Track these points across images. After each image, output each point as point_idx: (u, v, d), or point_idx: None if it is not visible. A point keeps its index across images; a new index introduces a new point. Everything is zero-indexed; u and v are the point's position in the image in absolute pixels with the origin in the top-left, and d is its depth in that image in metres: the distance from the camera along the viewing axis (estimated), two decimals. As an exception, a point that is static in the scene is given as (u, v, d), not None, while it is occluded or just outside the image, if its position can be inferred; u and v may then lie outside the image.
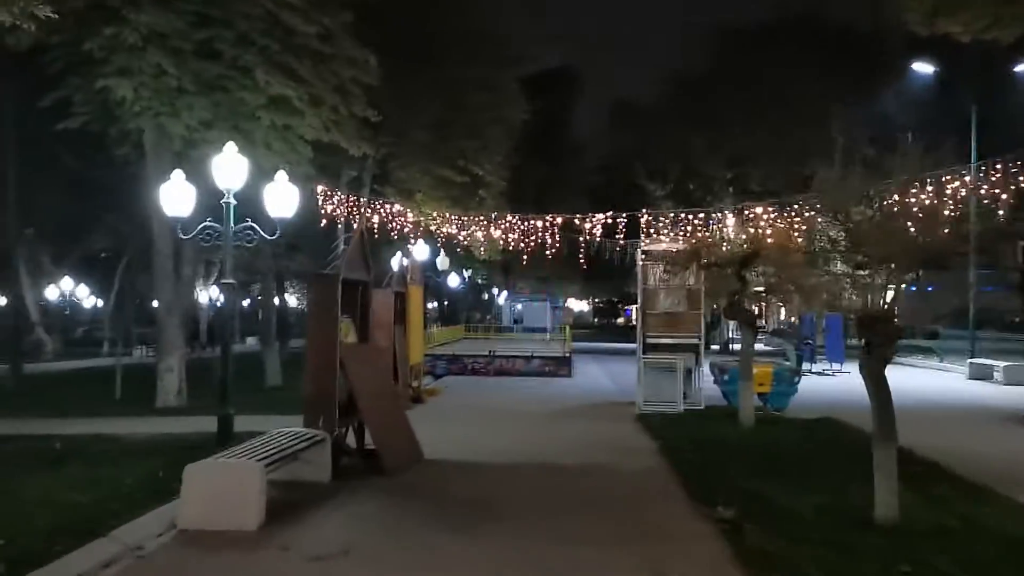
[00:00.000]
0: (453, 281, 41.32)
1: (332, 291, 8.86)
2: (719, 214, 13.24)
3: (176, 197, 10.46)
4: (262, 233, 10.58)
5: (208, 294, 46.13)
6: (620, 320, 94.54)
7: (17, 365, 23.73)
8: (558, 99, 51.66)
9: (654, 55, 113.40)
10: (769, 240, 12.66)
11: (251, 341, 43.98)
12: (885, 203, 12.54)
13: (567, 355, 23.33)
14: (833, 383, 20.99)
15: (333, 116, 15.87)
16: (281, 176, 10.48)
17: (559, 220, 15.21)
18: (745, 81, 33.89)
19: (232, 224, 10.47)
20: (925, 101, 26.02)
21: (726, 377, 14.82)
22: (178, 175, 10.52)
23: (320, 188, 18.72)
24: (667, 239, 13.94)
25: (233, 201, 10.48)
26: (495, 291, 53.09)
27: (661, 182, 30.32)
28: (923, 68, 25.18)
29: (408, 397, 15.35)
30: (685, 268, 13.24)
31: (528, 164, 38.24)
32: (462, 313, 53.03)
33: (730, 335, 40.34)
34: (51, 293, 38.70)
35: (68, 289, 37.05)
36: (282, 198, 10.48)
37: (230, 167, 10.33)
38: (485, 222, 16.86)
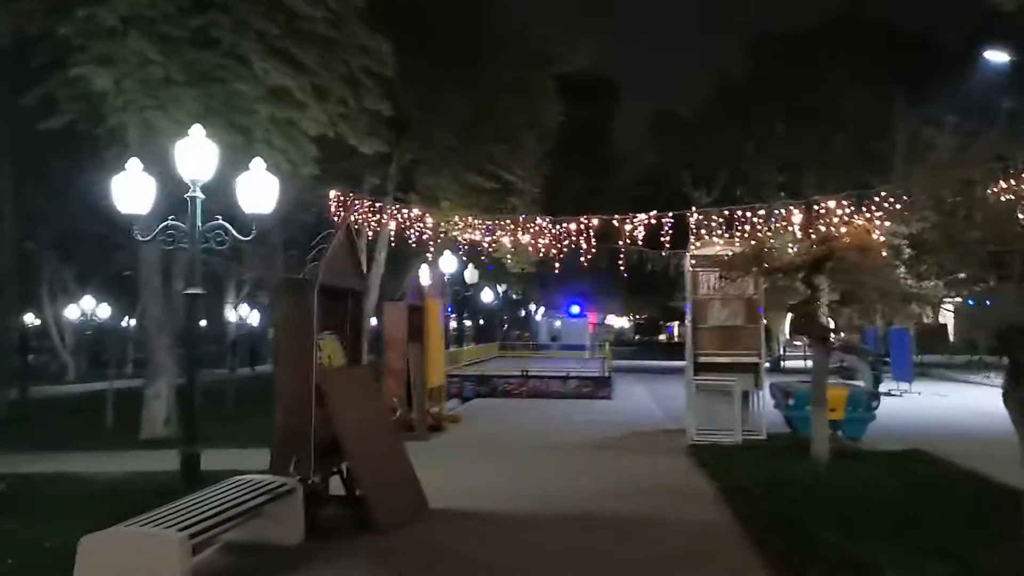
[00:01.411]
0: (487, 296, 39.49)
1: (306, 301, 7.05)
2: (782, 211, 11.18)
3: (132, 191, 8.75)
4: (235, 234, 8.81)
5: (238, 312, 44.96)
6: (662, 337, 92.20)
7: (24, 389, 22.40)
8: (596, 108, 50.00)
9: (691, 64, 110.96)
10: (845, 239, 10.60)
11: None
12: (951, 204, 10.42)
13: (607, 375, 21.30)
14: (904, 405, 18.68)
15: (341, 109, 14.17)
16: (257, 165, 8.72)
17: (595, 222, 13.20)
18: (791, 84, 32.73)
19: (199, 223, 8.73)
20: (997, 92, 23.77)
21: (791, 402, 12.71)
22: (134, 165, 8.81)
23: (333, 193, 17.02)
24: (720, 241, 11.87)
25: (200, 195, 8.75)
26: (532, 307, 51.22)
27: (707, 188, 28.33)
28: (996, 57, 22.86)
29: (425, 425, 13.49)
30: (743, 274, 11.21)
31: (565, 175, 36.47)
32: (498, 330, 51.24)
33: (782, 351, 38.12)
34: (72, 313, 37.59)
35: (90, 309, 35.81)
36: (258, 191, 8.72)
37: (197, 155, 8.61)
38: (512, 227, 14.96)
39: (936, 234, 16.61)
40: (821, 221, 10.90)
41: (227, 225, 8.77)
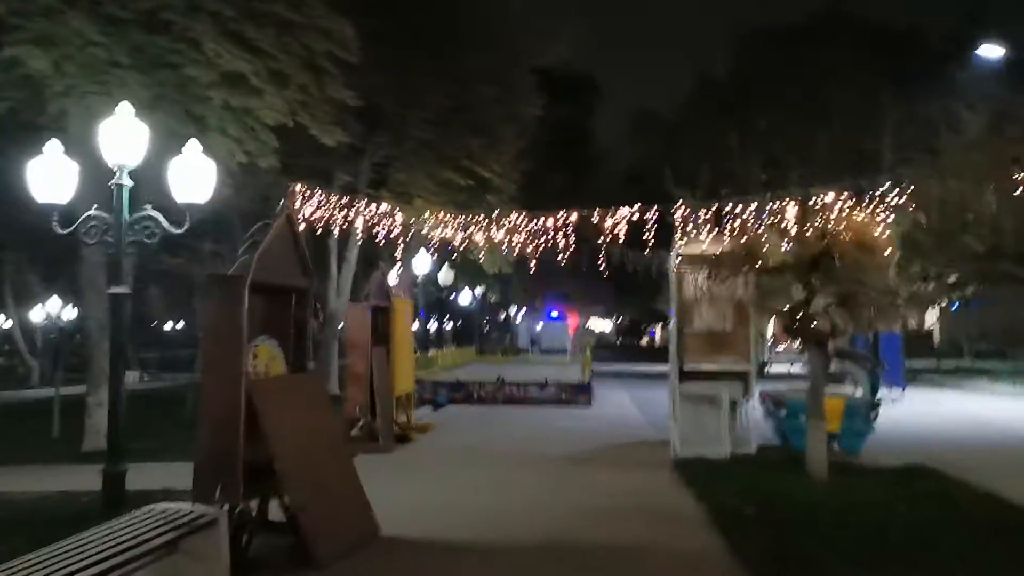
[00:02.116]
0: (464, 298, 38.51)
1: (234, 300, 6.07)
2: (775, 205, 10.29)
3: (51, 177, 7.73)
4: (166, 225, 7.81)
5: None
6: (643, 341, 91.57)
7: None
8: (577, 106, 49.26)
9: (672, 64, 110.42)
10: (845, 236, 9.73)
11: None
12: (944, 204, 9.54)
13: (587, 382, 20.38)
14: (898, 413, 17.85)
15: (301, 97, 13.19)
16: (192, 148, 7.73)
17: (574, 217, 12.27)
18: (774, 80, 32.23)
19: (127, 213, 7.73)
20: (992, 87, 23.14)
21: (783, 412, 11.83)
22: (54, 147, 7.79)
23: (299, 188, 16.02)
24: (708, 239, 10.97)
25: (128, 182, 7.75)
26: (512, 310, 50.28)
27: (691, 188, 27.38)
28: (990, 52, 22.18)
29: (390, 436, 12.51)
30: (733, 274, 10.31)
31: (545, 173, 35.64)
32: (478, 333, 50.24)
33: (768, 355, 37.36)
34: (37, 315, 36.26)
35: (55, 310, 34.45)
36: (193, 178, 7.73)
37: (124, 135, 7.61)
38: (485, 222, 14.01)
39: (926, 235, 15.86)
40: (818, 216, 10.02)
41: (157, 216, 7.77)
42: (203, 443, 6.11)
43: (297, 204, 16.17)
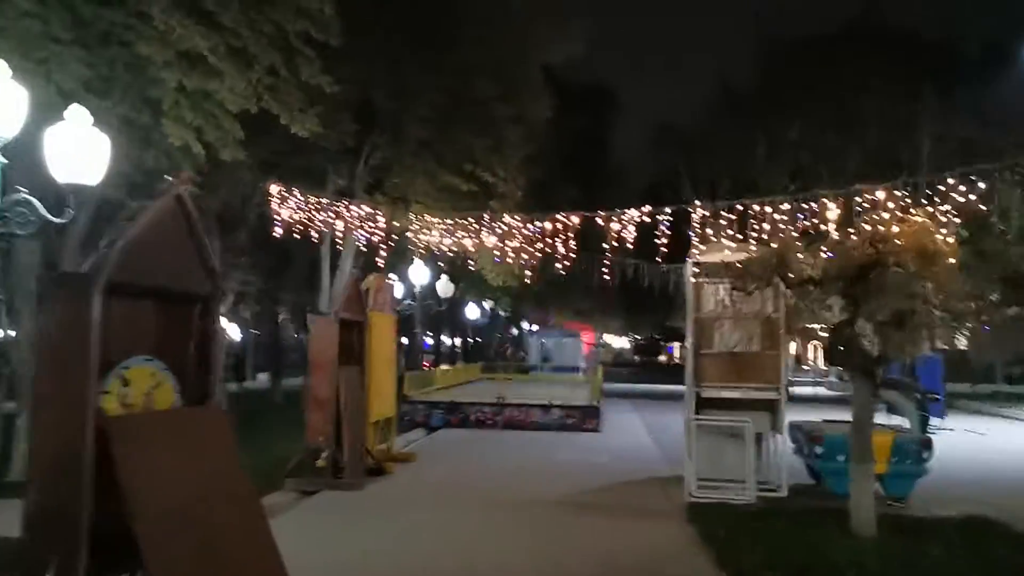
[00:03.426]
0: (472, 313, 36.78)
1: (78, 307, 4.41)
2: (812, 204, 8.55)
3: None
4: (43, 212, 6.17)
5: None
6: (663, 358, 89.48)
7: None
8: (592, 117, 47.63)
9: (693, 79, 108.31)
10: (899, 241, 7.98)
11: (262, 378, 39.66)
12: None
13: (596, 404, 18.59)
14: (942, 447, 15.96)
15: (269, 80, 11.61)
16: (75, 115, 6.09)
17: (575, 220, 10.56)
18: (804, 89, 30.75)
19: (-2, 196, 6.12)
20: None
21: (820, 449, 10.03)
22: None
23: (275, 188, 14.44)
24: (732, 245, 9.23)
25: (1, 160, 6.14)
26: (525, 325, 48.53)
27: (710, 198, 25.70)
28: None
29: (360, 469, 10.82)
30: (762, 286, 8.58)
31: (558, 184, 33.98)
32: (489, 349, 48.55)
33: (788, 375, 35.48)
34: None
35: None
36: (78, 154, 6.10)
37: (-5, 100, 6.00)
38: (476, 226, 12.34)
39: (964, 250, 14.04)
40: (865, 217, 8.28)
41: (33, 201, 6.14)
42: (32, 502, 4.44)
43: (274, 205, 14.60)
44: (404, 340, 37.78)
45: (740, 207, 9.34)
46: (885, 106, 28.27)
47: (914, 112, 26.21)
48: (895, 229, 8.11)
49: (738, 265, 8.79)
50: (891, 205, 8.14)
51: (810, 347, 45.42)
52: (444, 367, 29.75)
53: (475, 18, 19.74)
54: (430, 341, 56.94)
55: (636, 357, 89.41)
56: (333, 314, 10.55)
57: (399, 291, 21.67)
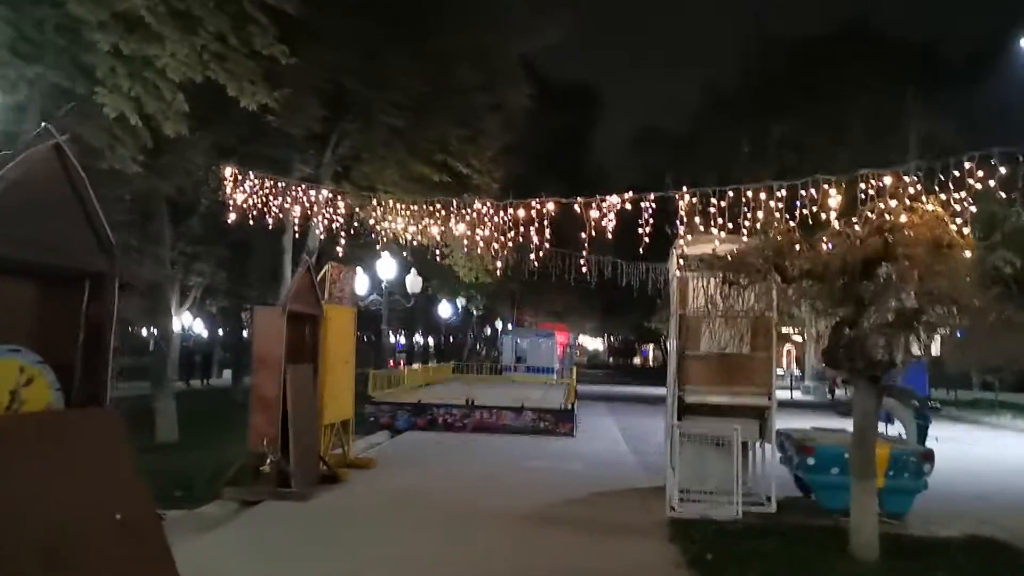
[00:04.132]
0: (445, 311, 35.76)
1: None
2: (810, 190, 7.68)
3: None
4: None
5: (181, 322, 40.98)
6: (637, 360, 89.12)
7: None
8: (575, 116, 46.91)
9: (680, 80, 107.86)
10: (910, 230, 7.14)
11: (228, 375, 38.39)
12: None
13: (570, 407, 17.69)
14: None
15: (216, 47, 10.58)
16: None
17: (550, 207, 9.63)
18: (790, 89, 30.41)
19: None
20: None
21: (811, 461, 9.18)
22: None
23: (229, 171, 13.38)
24: (722, 234, 8.34)
25: None
26: (499, 325, 47.56)
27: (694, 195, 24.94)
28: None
29: (309, 477, 9.82)
30: (758, 280, 7.70)
31: (538, 182, 33.12)
32: (464, 349, 47.61)
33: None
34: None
35: None
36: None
37: None
38: (443, 212, 11.37)
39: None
40: (871, 205, 7.42)
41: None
42: None
43: (228, 189, 13.53)
44: (372, 337, 36.72)
45: (731, 193, 8.47)
46: (871, 107, 27.84)
47: (900, 112, 25.72)
48: (904, 218, 7.27)
49: (729, 257, 7.89)
50: (900, 192, 7.28)
51: (784, 350, 44.90)
52: (416, 366, 28.77)
53: (452, 1, 18.80)
54: (403, 340, 55.90)
55: (611, 359, 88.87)
56: (280, 306, 9.53)
57: (362, 284, 20.66)
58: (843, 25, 35.76)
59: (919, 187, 7.43)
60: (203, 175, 15.41)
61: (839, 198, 7.77)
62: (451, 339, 44.58)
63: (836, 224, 7.72)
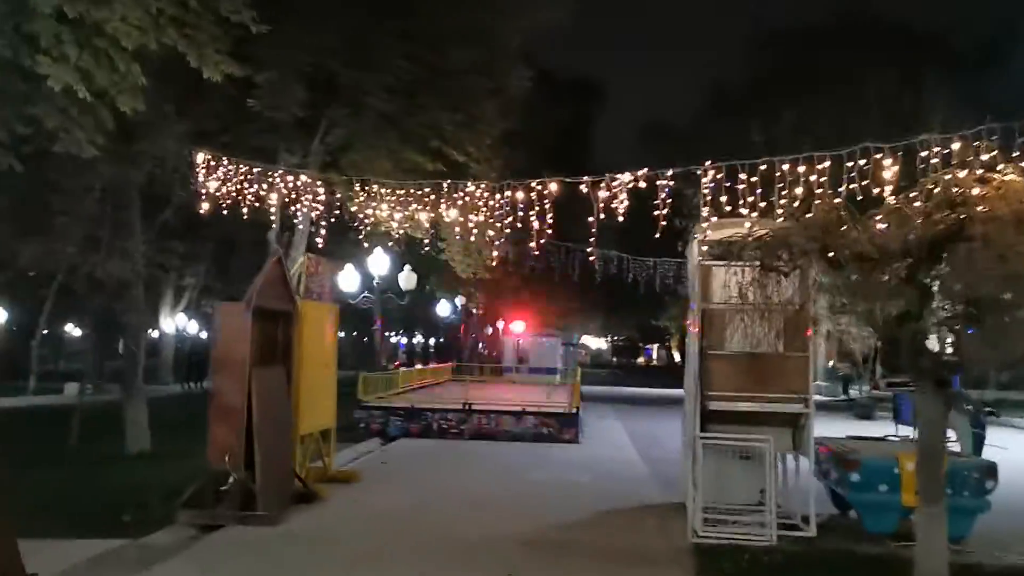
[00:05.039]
0: (443, 310, 34.50)
1: None
2: (860, 162, 6.44)
3: None
4: None
5: (175, 323, 39.97)
6: (640, 360, 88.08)
7: None
8: (579, 110, 45.78)
9: (684, 75, 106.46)
10: (985, 205, 5.92)
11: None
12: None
13: (574, 411, 16.45)
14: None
15: (174, 11, 9.36)
16: None
17: (553, 187, 8.41)
18: (803, 75, 29.44)
19: None
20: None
21: (855, 477, 7.95)
22: None
23: (202, 157, 12.19)
24: (754, 215, 7.10)
25: None
26: (501, 324, 46.26)
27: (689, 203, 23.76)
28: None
29: (280, 498, 8.60)
30: (806, 264, 6.46)
31: (539, 174, 31.92)
32: (467, 349, 46.43)
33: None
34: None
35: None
36: None
37: None
38: (431, 196, 10.16)
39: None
40: (936, 176, 6.20)
41: None
42: None
43: (200, 177, 12.34)
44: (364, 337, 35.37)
45: (763, 167, 7.26)
46: (886, 92, 26.69)
47: (918, 96, 24.56)
48: (977, 191, 6.04)
49: (765, 239, 6.65)
50: (970, 160, 6.06)
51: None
52: (419, 367, 27.54)
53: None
54: (405, 341, 54.70)
55: (614, 359, 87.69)
56: (244, 301, 8.31)
57: (353, 281, 19.45)
58: (846, 17, 35.04)
59: (993, 155, 6.21)
60: (175, 163, 14.22)
61: (895, 169, 6.53)
62: (456, 338, 43.31)
63: (892, 200, 6.48)
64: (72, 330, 48.71)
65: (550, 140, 38.14)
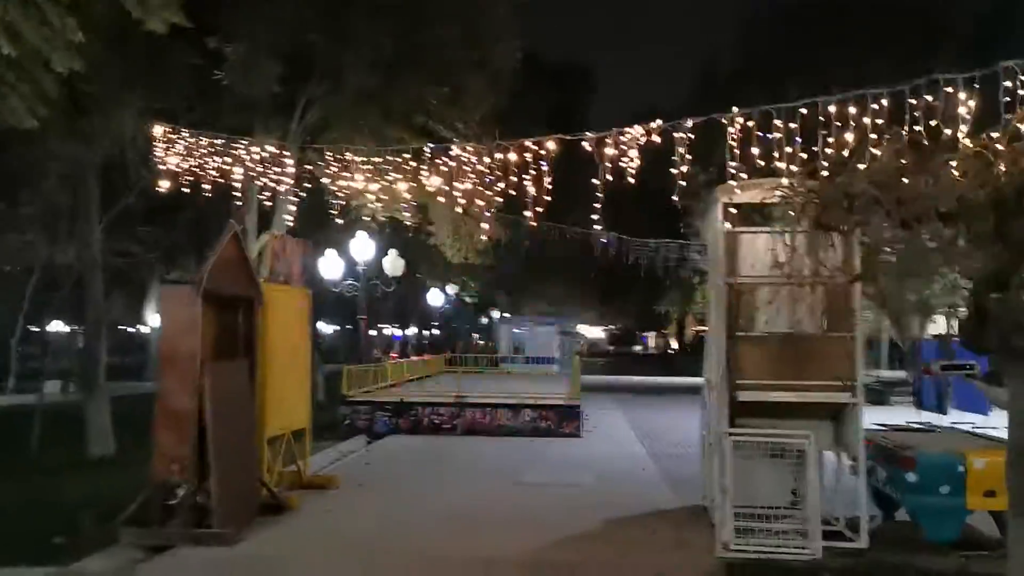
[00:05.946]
0: (435, 299, 33.25)
1: None
2: (927, 97, 5.24)
3: None
4: None
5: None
6: (637, 348, 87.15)
7: None
8: (569, 95, 44.60)
9: (675, 59, 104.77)
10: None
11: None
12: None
13: (575, 403, 15.26)
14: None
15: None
16: None
17: (551, 146, 7.19)
18: (807, 52, 28.35)
19: None
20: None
21: (911, 477, 6.77)
22: None
23: (160, 129, 10.94)
24: (792, 169, 5.88)
25: None
26: (496, 315, 45.09)
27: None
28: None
29: (242, 511, 7.41)
30: (865, 222, 5.28)
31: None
32: (463, 340, 45.33)
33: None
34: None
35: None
36: None
37: None
38: (413, 163, 8.97)
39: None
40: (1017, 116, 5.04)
41: None
42: None
43: (160, 153, 11.09)
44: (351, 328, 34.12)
45: (804, 110, 6.07)
46: (896, 67, 25.60)
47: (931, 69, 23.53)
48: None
49: (811, 197, 5.45)
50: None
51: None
52: (413, 359, 26.31)
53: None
54: (401, 333, 53.44)
55: (611, 347, 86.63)
56: (193, 284, 7.07)
57: (336, 268, 18.22)
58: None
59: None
60: (135, 140, 12.98)
61: (972, 103, 5.35)
62: (450, 329, 42.17)
63: (969, 143, 5.30)
64: (61, 327, 47.48)
65: (542, 120, 37.06)
